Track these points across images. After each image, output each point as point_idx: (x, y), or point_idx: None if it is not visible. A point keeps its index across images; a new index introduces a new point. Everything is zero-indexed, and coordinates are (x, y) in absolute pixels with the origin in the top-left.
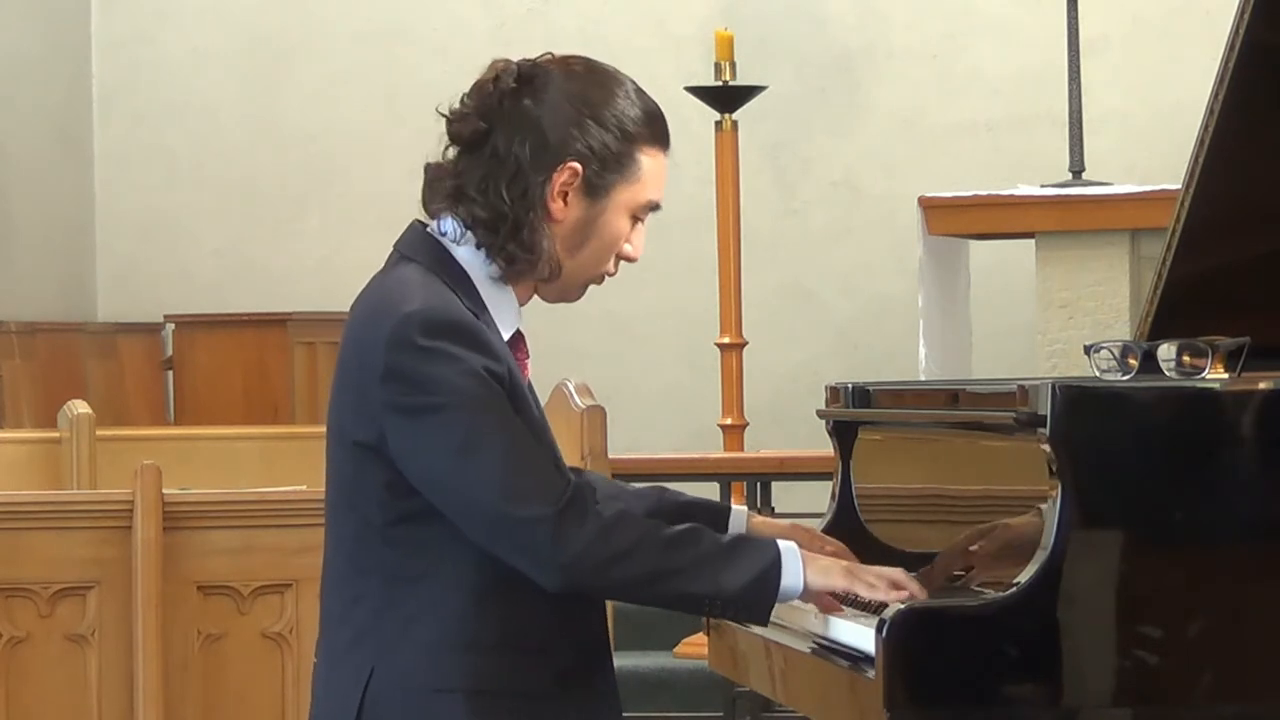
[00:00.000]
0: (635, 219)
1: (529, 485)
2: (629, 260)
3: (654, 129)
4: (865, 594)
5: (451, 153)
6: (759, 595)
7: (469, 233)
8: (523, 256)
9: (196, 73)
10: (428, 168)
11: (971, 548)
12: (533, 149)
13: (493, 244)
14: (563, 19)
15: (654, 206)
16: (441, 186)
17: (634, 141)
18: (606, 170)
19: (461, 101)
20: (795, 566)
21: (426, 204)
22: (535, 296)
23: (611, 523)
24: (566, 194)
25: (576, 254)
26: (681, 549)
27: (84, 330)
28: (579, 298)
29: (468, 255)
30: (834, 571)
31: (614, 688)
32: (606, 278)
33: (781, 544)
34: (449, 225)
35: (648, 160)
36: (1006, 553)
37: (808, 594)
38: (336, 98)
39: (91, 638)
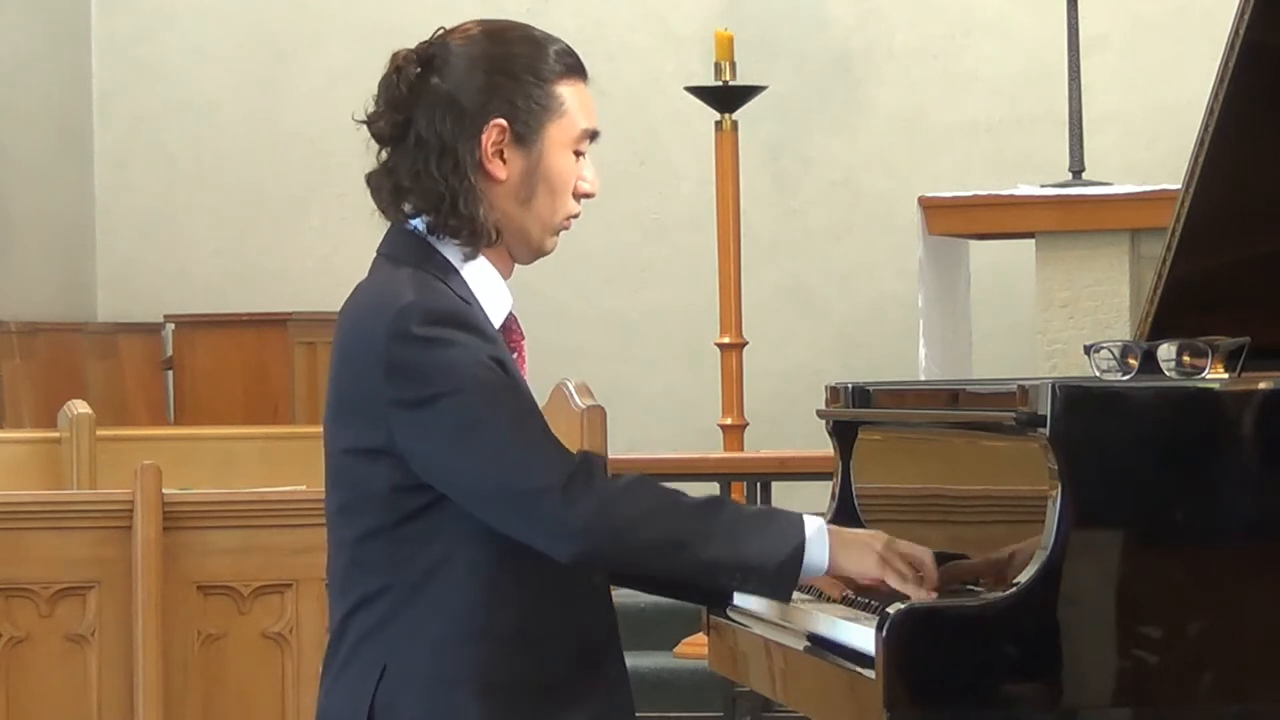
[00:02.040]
0: (577, 153)
1: (536, 458)
2: (588, 196)
3: (565, 62)
4: (896, 585)
5: (383, 155)
6: (782, 569)
7: (424, 221)
8: (465, 228)
9: (196, 73)
10: (367, 178)
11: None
12: (453, 121)
13: (439, 224)
14: (563, 19)
15: (592, 135)
16: (383, 188)
17: (549, 80)
18: (531, 116)
19: (374, 101)
20: (822, 543)
21: (380, 211)
22: (537, 293)
23: (624, 488)
24: (501, 151)
25: (531, 204)
26: (699, 516)
27: (84, 330)
28: (553, 247)
29: (440, 244)
30: (869, 562)
31: (625, 676)
32: (574, 220)
33: (808, 519)
34: (415, 221)
35: (568, 90)
36: (1014, 567)
37: (834, 573)
38: (336, 98)
39: (91, 638)
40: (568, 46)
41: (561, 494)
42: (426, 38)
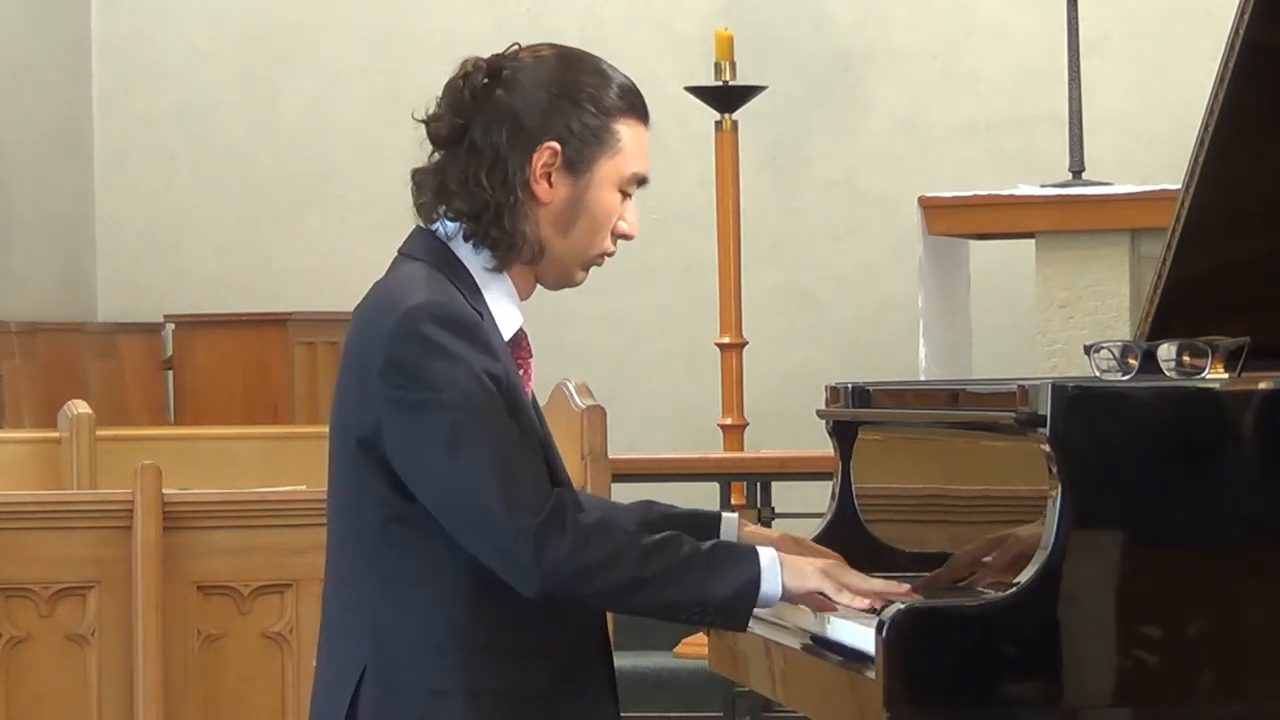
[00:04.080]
0: (624, 194)
1: (512, 494)
2: (626, 238)
3: (629, 101)
4: (833, 595)
5: (436, 156)
6: (738, 603)
7: (459, 227)
8: (505, 240)
9: (196, 73)
10: (414, 173)
11: (985, 559)
12: (509, 135)
13: (478, 232)
14: (563, 19)
15: (641, 180)
16: (427, 187)
17: (610, 115)
18: (586, 146)
19: (436, 103)
20: (774, 572)
21: (417, 208)
22: (537, 293)
23: (589, 532)
24: (550, 175)
25: (569, 233)
26: (659, 557)
27: (84, 330)
28: (582, 280)
29: (465, 252)
30: (809, 574)
31: (611, 688)
32: (607, 258)
33: (761, 551)
34: (446, 226)
35: (627, 131)
36: (1014, 563)
37: (786, 599)
38: (336, 98)
39: (91, 638)
40: (635, 86)
41: (534, 538)
42: (500, 50)
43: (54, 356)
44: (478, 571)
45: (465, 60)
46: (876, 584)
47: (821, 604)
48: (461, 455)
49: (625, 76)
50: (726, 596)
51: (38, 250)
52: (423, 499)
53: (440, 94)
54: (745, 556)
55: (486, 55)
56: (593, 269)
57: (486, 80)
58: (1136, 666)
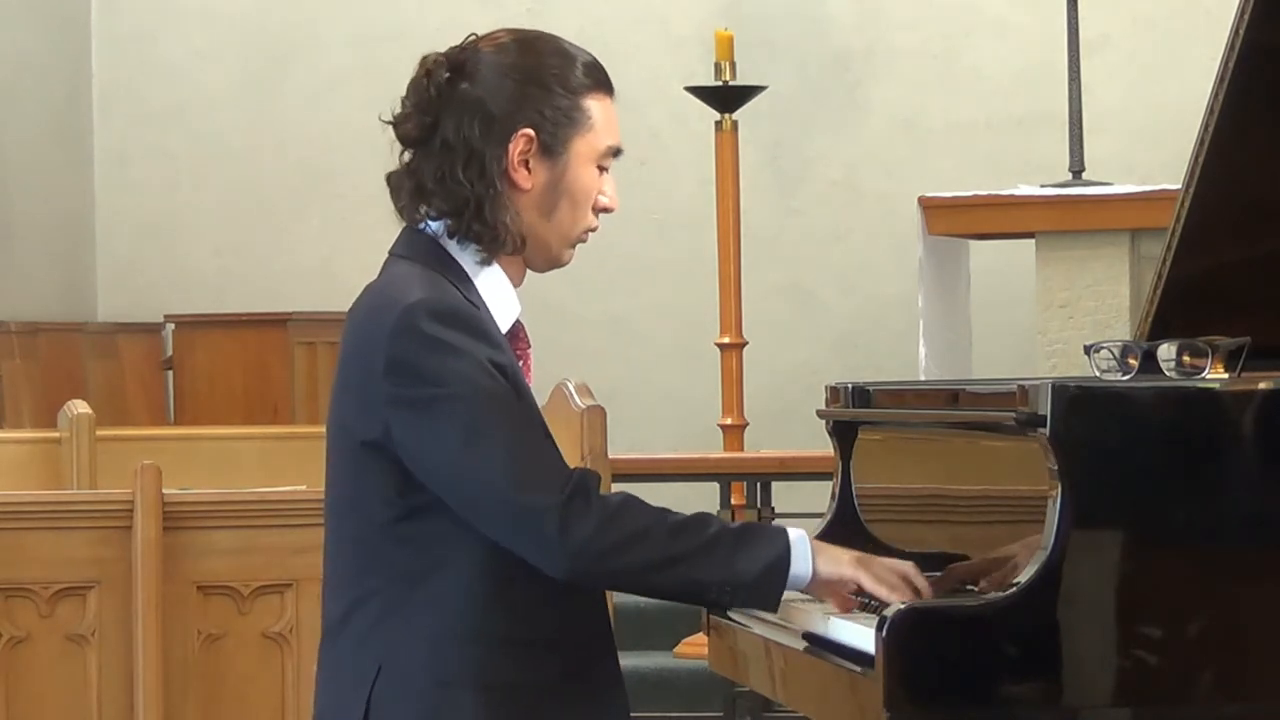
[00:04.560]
0: (600, 168)
1: (534, 475)
2: (607, 210)
3: (595, 77)
4: (869, 586)
5: (406, 155)
6: (770, 581)
7: (444, 225)
8: (488, 233)
9: (196, 73)
10: (388, 177)
11: (983, 579)
12: (481, 128)
13: (461, 228)
14: (563, 19)
15: (615, 152)
16: (404, 189)
17: (578, 93)
18: (559, 128)
19: (401, 103)
20: (805, 552)
21: (398, 211)
22: (538, 295)
23: (616, 509)
24: (527, 161)
25: (552, 216)
26: (687, 535)
27: (84, 330)
28: (569, 259)
29: (454, 248)
30: (843, 560)
31: (620, 679)
32: (590, 233)
33: (791, 531)
34: (430, 225)
35: (596, 106)
36: (1014, 568)
37: (817, 582)
38: (336, 98)
39: (91, 638)
40: (596, 61)
41: (559, 515)
42: (457, 43)
43: (54, 356)
44: (488, 565)
45: (424, 57)
46: (909, 568)
47: (845, 601)
48: (478, 445)
49: (586, 52)
50: (755, 574)
51: (38, 250)
52: (443, 494)
53: (404, 94)
54: (774, 535)
55: (445, 50)
56: (593, 270)
57: (449, 74)
58: (1136, 666)
